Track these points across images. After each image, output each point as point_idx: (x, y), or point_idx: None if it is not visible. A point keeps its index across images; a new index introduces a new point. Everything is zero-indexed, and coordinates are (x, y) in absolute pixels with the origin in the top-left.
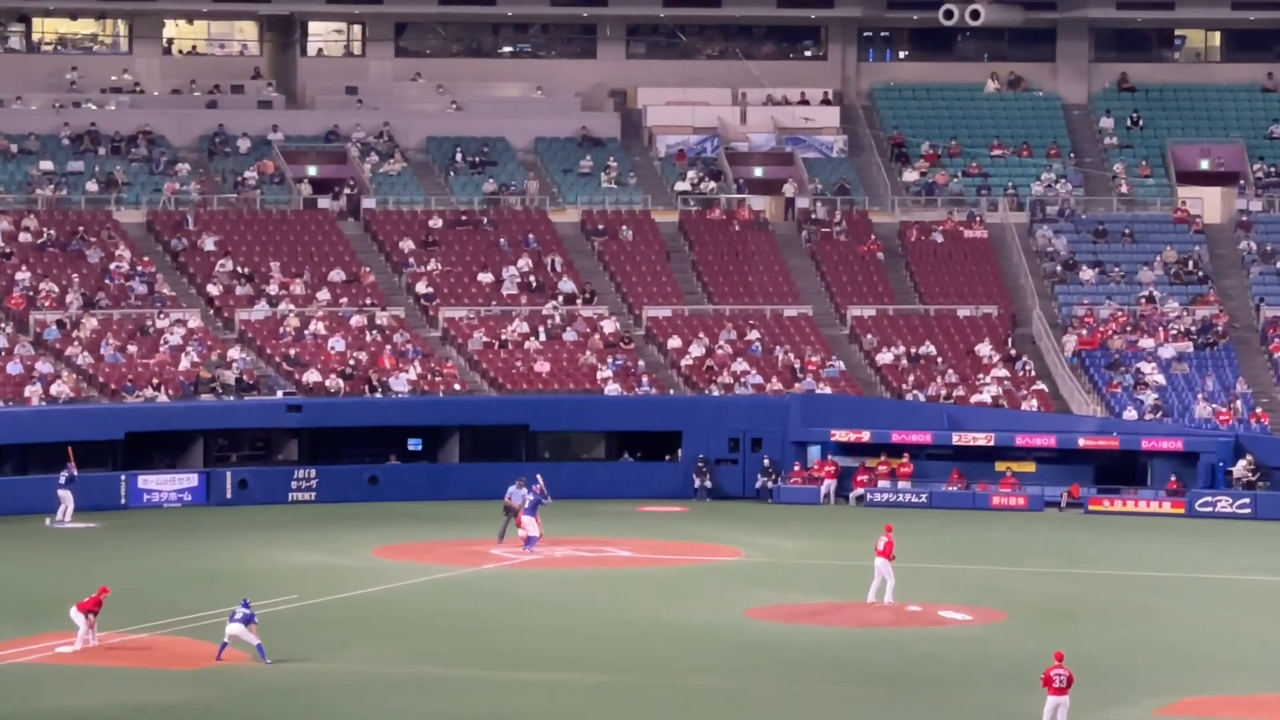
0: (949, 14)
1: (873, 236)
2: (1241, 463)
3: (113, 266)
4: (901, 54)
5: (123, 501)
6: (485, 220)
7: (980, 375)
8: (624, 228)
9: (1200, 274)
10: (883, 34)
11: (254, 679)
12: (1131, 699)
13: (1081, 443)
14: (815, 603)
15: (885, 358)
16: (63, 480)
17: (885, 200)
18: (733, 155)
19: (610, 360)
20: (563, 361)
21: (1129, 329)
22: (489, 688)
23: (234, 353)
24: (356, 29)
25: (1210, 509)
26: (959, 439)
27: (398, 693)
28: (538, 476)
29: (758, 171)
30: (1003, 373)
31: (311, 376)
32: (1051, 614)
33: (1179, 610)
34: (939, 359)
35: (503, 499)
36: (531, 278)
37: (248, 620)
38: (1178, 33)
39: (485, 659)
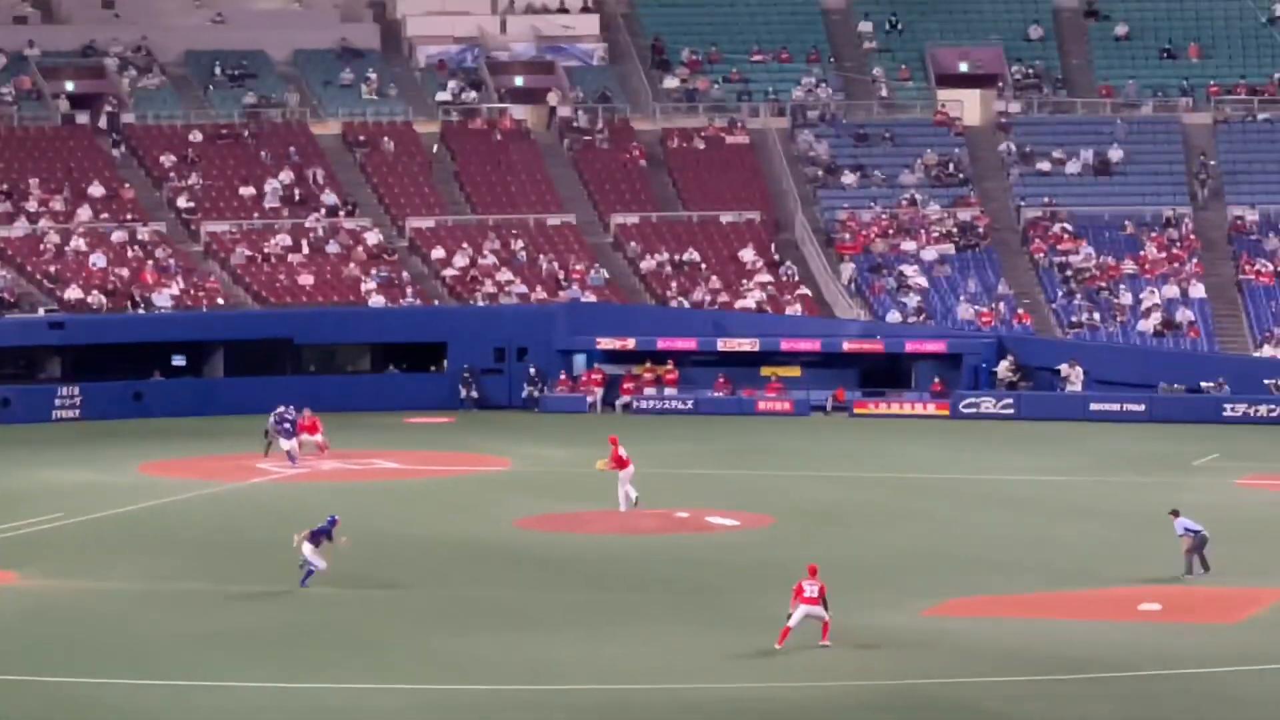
0: None
1: (635, 144)
2: (1004, 363)
3: None
4: None
5: None
6: (246, 134)
7: (744, 281)
8: (385, 139)
9: (961, 176)
10: None
11: (21, 600)
12: (898, 601)
13: (846, 346)
14: (583, 511)
15: (649, 265)
16: None
17: (647, 108)
18: (493, 65)
19: (374, 272)
20: (326, 274)
21: (891, 232)
22: (258, 603)
23: None
24: None
25: (974, 410)
26: (724, 345)
27: (165, 609)
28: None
29: (519, 81)
30: (766, 278)
31: (73, 293)
32: (818, 518)
33: (944, 512)
34: (703, 265)
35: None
36: (294, 191)
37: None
38: None
39: (254, 574)
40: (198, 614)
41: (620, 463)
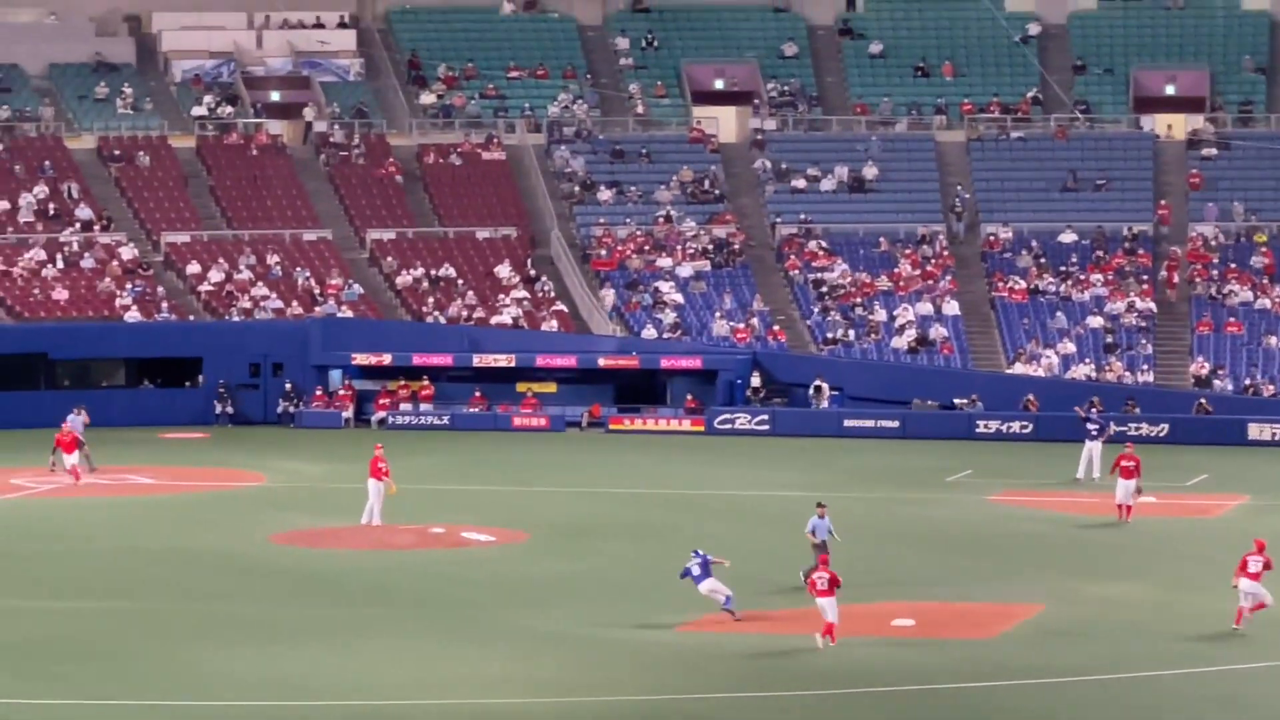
0: None
1: (391, 159)
2: (757, 380)
3: None
4: None
5: None
6: (0, 148)
7: (500, 296)
8: (141, 154)
9: (716, 193)
10: None
11: None
12: (654, 617)
13: (602, 362)
14: (338, 527)
15: (405, 280)
16: None
17: (403, 123)
18: (249, 79)
19: (129, 287)
20: (81, 289)
21: (647, 249)
22: (6, 617)
23: None
24: None
25: (729, 426)
26: (480, 360)
27: None
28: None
29: (275, 95)
30: (523, 294)
31: None
32: (573, 532)
33: (696, 526)
34: (459, 281)
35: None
36: (48, 205)
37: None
38: None
39: (4, 588)
40: None
41: (377, 473)
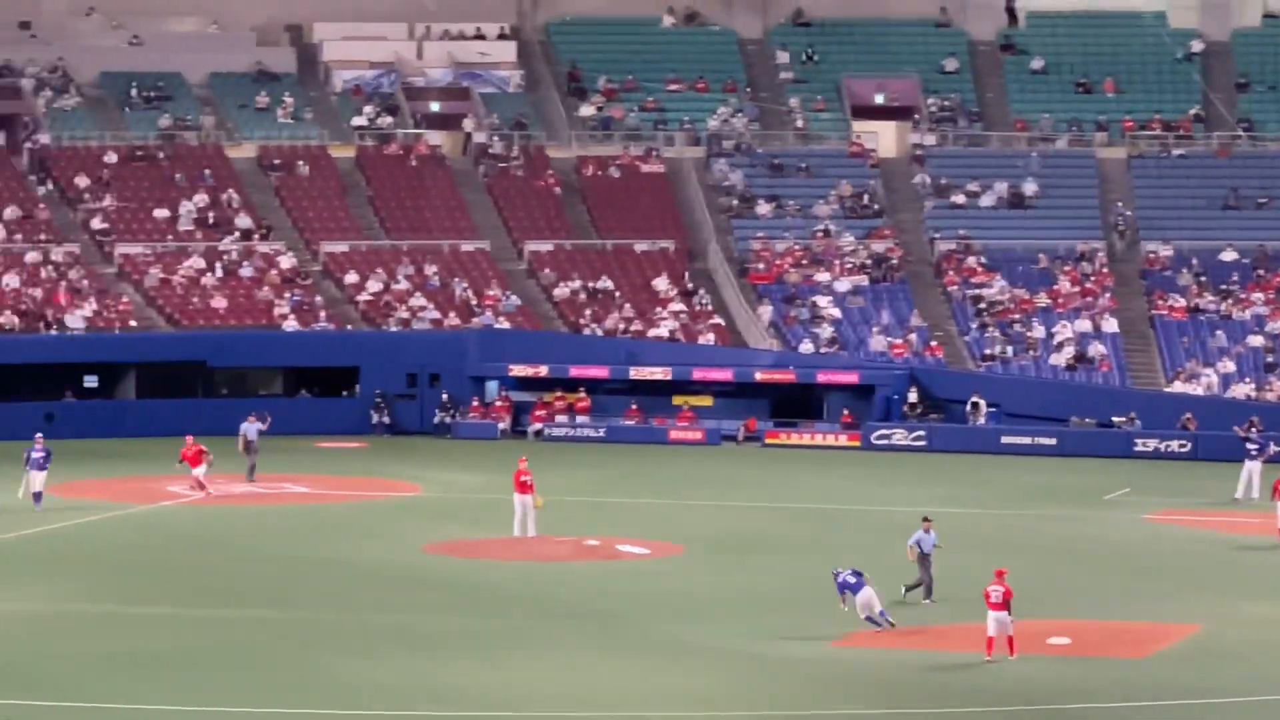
0: None
1: (550, 171)
2: (914, 396)
3: None
4: None
5: None
6: (161, 156)
7: (657, 310)
8: (300, 163)
9: (875, 208)
10: None
11: None
12: (810, 631)
13: (758, 376)
14: (492, 538)
15: (562, 292)
16: None
17: (562, 135)
18: (409, 90)
19: (287, 296)
20: (240, 298)
21: (805, 263)
22: (163, 625)
23: None
24: None
25: (886, 441)
26: (636, 373)
27: (66, 631)
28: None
29: (434, 106)
30: (680, 307)
31: None
32: (728, 546)
33: (852, 543)
34: (616, 293)
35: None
36: (208, 213)
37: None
38: None
39: (158, 596)
40: (100, 635)
41: (522, 487)
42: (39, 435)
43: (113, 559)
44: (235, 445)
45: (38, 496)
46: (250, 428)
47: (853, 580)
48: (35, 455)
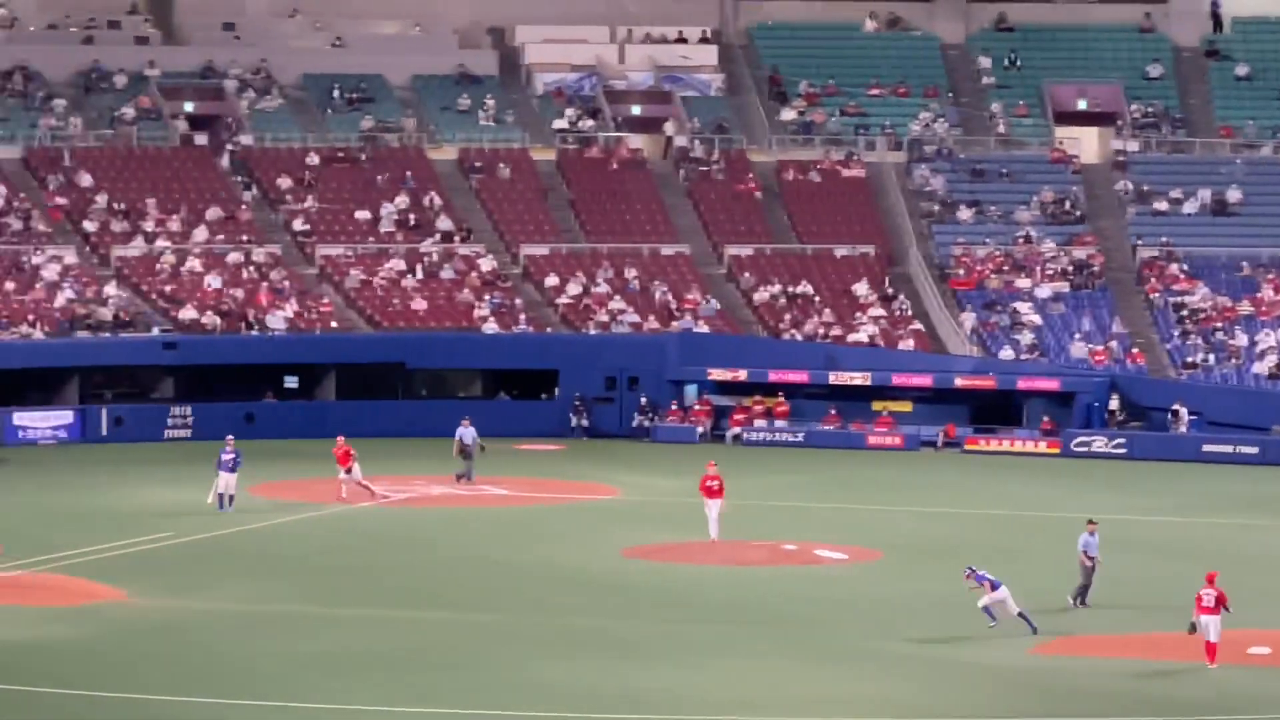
0: None
1: (750, 175)
2: (1115, 403)
3: None
4: None
5: None
6: (362, 157)
7: (857, 314)
8: (501, 165)
9: (1077, 214)
10: None
11: (128, 617)
12: (1004, 639)
13: (958, 382)
14: (690, 541)
15: (762, 296)
16: None
17: (763, 139)
18: (611, 93)
19: (487, 298)
20: (439, 299)
21: (1006, 269)
22: (362, 626)
23: (110, 289)
24: None
25: (1086, 449)
26: (835, 378)
27: (269, 631)
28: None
29: (636, 110)
30: (879, 312)
31: (188, 314)
32: (926, 553)
33: (1051, 550)
34: (816, 298)
35: (455, 438)
36: (409, 215)
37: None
38: None
39: (358, 597)
40: (301, 636)
41: (710, 491)
42: (229, 438)
43: (313, 560)
44: (450, 448)
45: (225, 499)
46: (466, 431)
47: (993, 576)
48: (225, 458)
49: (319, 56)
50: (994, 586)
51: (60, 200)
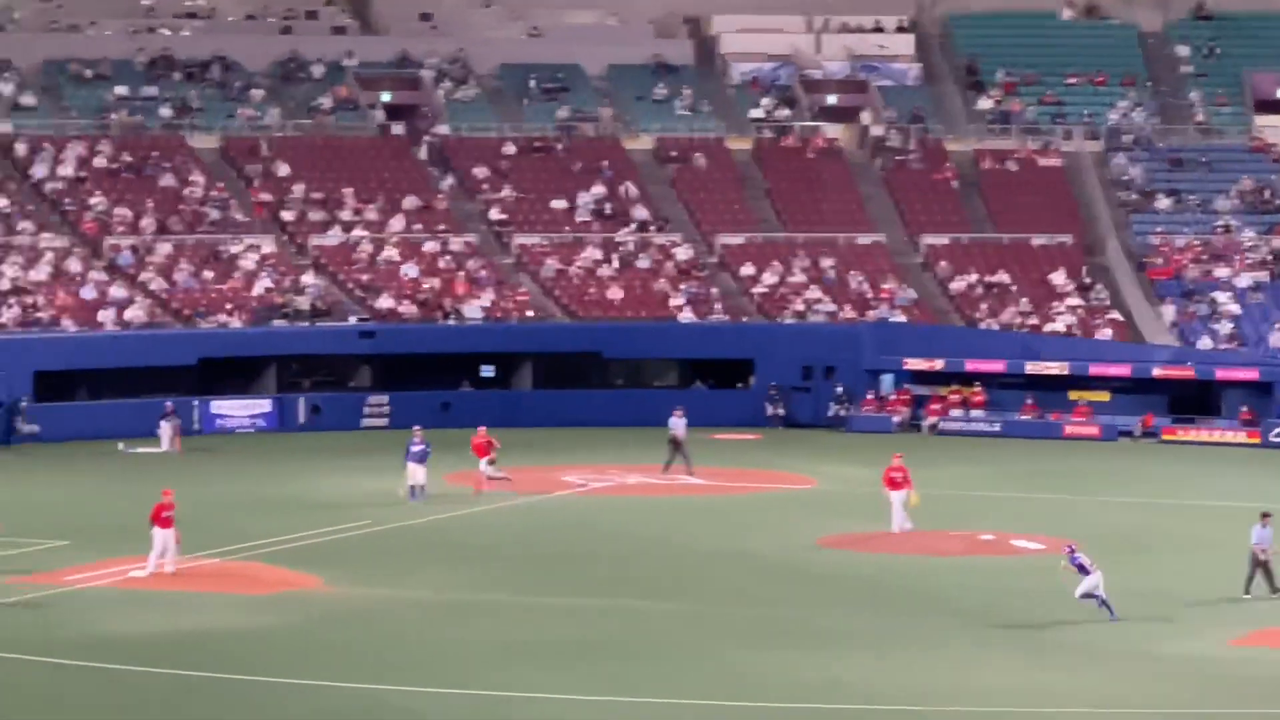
0: None
1: (947, 164)
2: None
3: (186, 192)
4: None
5: (196, 427)
6: (559, 147)
7: (1054, 304)
8: (697, 155)
9: (1277, 204)
10: None
11: (325, 604)
12: (1204, 630)
13: (1156, 372)
14: (887, 531)
15: (959, 286)
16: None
17: (960, 128)
18: (807, 83)
19: (683, 287)
20: (636, 289)
21: (1205, 258)
22: (558, 615)
23: (307, 279)
24: None
25: None
26: (1032, 368)
27: (467, 619)
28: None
29: (832, 99)
30: (1077, 301)
31: (385, 303)
32: (1123, 544)
33: (1247, 541)
34: (1013, 287)
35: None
36: (605, 205)
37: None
38: None
39: (555, 586)
40: (498, 624)
41: (893, 483)
42: (416, 428)
43: (508, 549)
44: (662, 438)
45: (415, 490)
46: (678, 422)
47: (1086, 561)
48: (415, 448)
49: (515, 46)
50: (1085, 571)
51: (262, 194)
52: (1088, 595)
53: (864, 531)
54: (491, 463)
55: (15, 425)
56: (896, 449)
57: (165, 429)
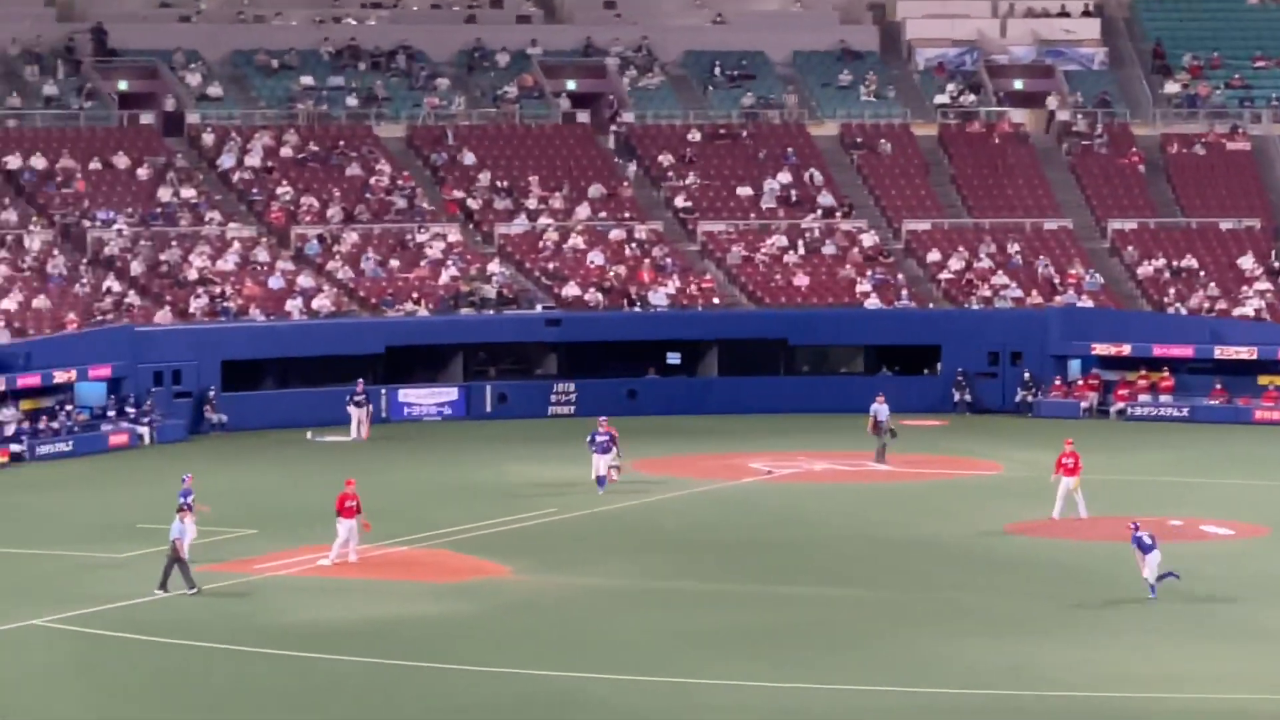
0: None
1: (1133, 149)
2: None
3: (373, 181)
4: None
5: (383, 415)
6: (744, 134)
7: (1243, 288)
8: (883, 141)
9: None
10: None
11: (512, 592)
12: None
13: None
14: (1074, 518)
15: (1146, 270)
16: (359, 398)
17: (1146, 113)
18: (992, 68)
19: (869, 274)
20: (821, 275)
21: None
22: (744, 602)
23: (493, 267)
24: None
25: None
26: (1221, 353)
27: (652, 607)
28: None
29: (1017, 84)
30: (1266, 286)
31: (570, 290)
32: None
33: None
34: (1201, 272)
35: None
36: (790, 191)
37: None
38: None
39: (741, 573)
40: (686, 612)
41: (1066, 469)
42: (601, 419)
43: (694, 535)
44: (849, 425)
45: (600, 479)
46: (881, 408)
47: (1148, 541)
48: (599, 439)
49: (700, 34)
50: (1147, 550)
51: (452, 190)
52: (1163, 576)
53: (1051, 518)
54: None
55: (204, 415)
56: (1085, 435)
57: (355, 414)
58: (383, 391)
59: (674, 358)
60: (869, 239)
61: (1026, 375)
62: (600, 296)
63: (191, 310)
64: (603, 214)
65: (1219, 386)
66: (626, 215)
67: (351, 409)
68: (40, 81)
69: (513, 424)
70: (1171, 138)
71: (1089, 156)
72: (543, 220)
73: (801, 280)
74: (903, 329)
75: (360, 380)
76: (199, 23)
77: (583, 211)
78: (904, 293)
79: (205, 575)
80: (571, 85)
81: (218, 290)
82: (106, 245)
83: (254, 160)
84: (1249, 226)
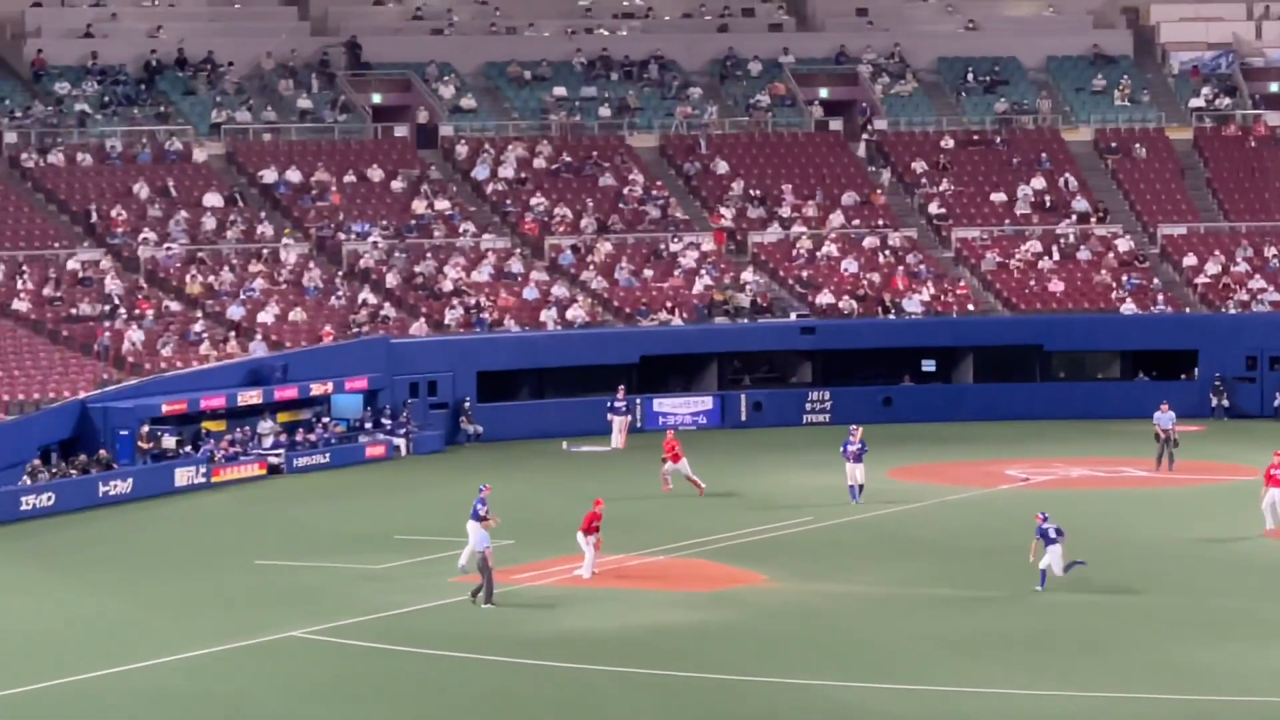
0: None
1: None
2: None
3: (626, 191)
4: None
5: (638, 424)
6: (997, 140)
7: None
8: (1137, 146)
9: None
10: None
11: (769, 601)
12: None
13: None
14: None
15: None
16: (619, 406)
17: None
18: (1248, 70)
19: (1125, 279)
20: (1076, 281)
21: None
22: (1002, 608)
23: (747, 275)
24: None
25: None
26: None
27: (911, 614)
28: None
29: (1273, 87)
30: None
31: (824, 298)
32: None
33: None
34: None
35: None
36: (1044, 197)
37: None
38: None
39: (998, 581)
40: (942, 619)
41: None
42: (853, 427)
43: (951, 543)
44: (1105, 431)
45: (856, 489)
46: (1164, 417)
47: (1053, 535)
48: (851, 447)
49: (952, 40)
50: (1049, 542)
51: (720, 218)
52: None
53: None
54: (676, 462)
55: (460, 425)
56: None
57: (616, 422)
58: (638, 401)
59: (929, 365)
60: (1124, 244)
61: None
62: (854, 304)
63: (446, 322)
64: (856, 221)
65: None
66: (880, 223)
67: (612, 417)
68: (295, 95)
69: (767, 432)
70: None
71: None
72: (796, 228)
73: (1056, 286)
74: (1159, 334)
75: (621, 388)
76: (451, 35)
77: (836, 219)
78: (1160, 297)
79: (464, 586)
80: (824, 93)
81: (472, 301)
82: (362, 258)
83: (507, 172)
84: None
